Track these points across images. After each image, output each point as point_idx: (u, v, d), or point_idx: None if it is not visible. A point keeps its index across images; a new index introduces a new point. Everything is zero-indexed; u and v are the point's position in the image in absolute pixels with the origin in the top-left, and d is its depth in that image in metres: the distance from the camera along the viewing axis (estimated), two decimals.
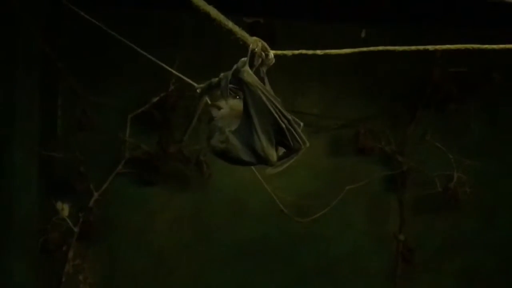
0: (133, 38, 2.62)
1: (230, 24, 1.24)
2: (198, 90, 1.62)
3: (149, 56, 1.88)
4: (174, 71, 1.98)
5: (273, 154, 1.39)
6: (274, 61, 1.41)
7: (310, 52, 1.57)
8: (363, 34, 4.17)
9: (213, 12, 1.17)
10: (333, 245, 4.21)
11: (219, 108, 1.43)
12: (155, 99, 3.71)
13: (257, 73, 1.50)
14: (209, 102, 1.58)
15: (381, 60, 3.97)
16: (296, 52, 1.54)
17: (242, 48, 1.52)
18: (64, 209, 3.93)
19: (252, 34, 4.26)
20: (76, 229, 3.78)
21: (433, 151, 4.22)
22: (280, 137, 1.39)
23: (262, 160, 1.39)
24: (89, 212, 3.81)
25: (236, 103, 1.43)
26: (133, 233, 3.95)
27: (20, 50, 3.26)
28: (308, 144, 1.48)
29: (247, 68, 1.32)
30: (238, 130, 1.37)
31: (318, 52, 1.58)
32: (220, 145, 1.39)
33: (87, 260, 3.90)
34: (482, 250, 4.37)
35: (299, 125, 1.50)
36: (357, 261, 4.24)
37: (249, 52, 1.33)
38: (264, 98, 1.33)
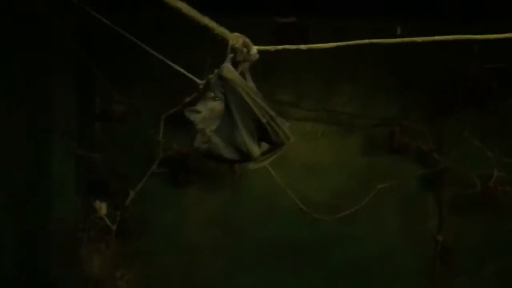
0: (166, 41, 2.65)
1: (205, 20, 1.22)
2: (200, 86, 1.63)
3: (169, 62, 1.89)
4: (179, 69, 1.96)
5: (255, 149, 1.39)
6: (258, 56, 1.40)
7: (293, 47, 1.55)
8: (398, 31, 4.07)
9: (185, 8, 1.13)
10: (367, 245, 4.15)
11: (198, 112, 1.44)
12: (187, 99, 3.76)
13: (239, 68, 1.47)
14: (187, 108, 1.58)
15: (417, 56, 3.87)
16: (280, 47, 1.53)
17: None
18: (102, 207, 4.06)
19: (283, 34, 4.25)
20: (113, 227, 3.90)
21: (472, 149, 4.06)
22: (262, 133, 1.39)
23: (245, 155, 1.40)
24: (125, 210, 3.92)
25: (216, 105, 1.44)
26: (167, 231, 4.03)
27: (57, 56, 3.38)
28: (292, 139, 1.48)
29: (227, 64, 1.32)
30: (219, 128, 1.39)
31: (302, 47, 1.56)
32: (202, 146, 1.41)
33: (124, 258, 4.01)
34: None
35: (283, 122, 1.50)
36: (392, 262, 4.16)
37: (229, 47, 1.33)
38: (243, 94, 1.33)
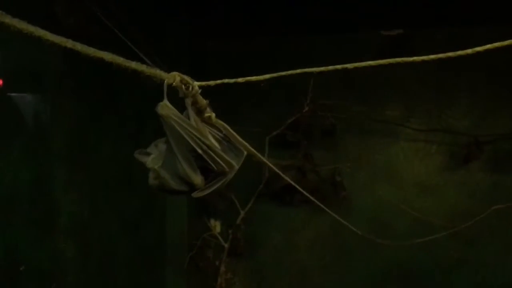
0: (268, 64, 2.72)
1: (133, 65, 1.20)
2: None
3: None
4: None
5: (196, 178, 1.42)
6: (199, 91, 1.41)
7: (232, 80, 1.50)
8: None
9: (108, 57, 1.10)
10: (495, 272, 3.75)
11: (148, 154, 1.49)
12: (290, 120, 3.79)
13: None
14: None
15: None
16: (219, 81, 1.49)
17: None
18: (216, 226, 4.24)
19: (388, 46, 4.06)
20: (226, 245, 4.05)
21: None
22: (201, 162, 1.39)
23: (190, 185, 1.42)
24: (237, 229, 4.05)
25: (161, 144, 1.49)
26: (276, 250, 4.06)
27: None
28: (237, 167, 1.46)
29: (164, 102, 1.35)
30: (164, 163, 1.44)
31: (240, 80, 1.51)
32: (154, 182, 1.48)
33: (237, 275, 4.14)
34: None
35: (238, 150, 1.49)
36: None
37: (165, 86, 1.35)
38: (178, 128, 1.34)
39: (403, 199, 3.86)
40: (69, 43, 0.97)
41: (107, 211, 2.82)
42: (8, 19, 0.81)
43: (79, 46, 1.01)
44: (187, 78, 1.37)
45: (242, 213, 4.04)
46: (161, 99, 1.36)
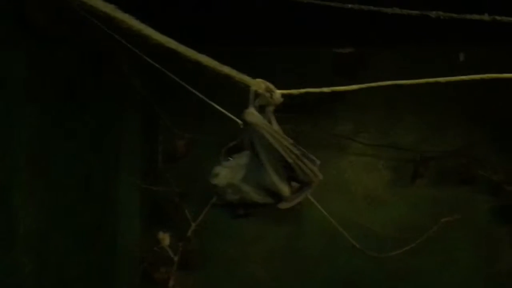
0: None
1: (226, 69, 1.23)
2: (241, 126, 1.66)
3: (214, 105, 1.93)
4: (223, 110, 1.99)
5: (285, 188, 1.40)
6: (282, 100, 1.41)
7: (317, 90, 1.54)
8: (461, 58, 3.94)
9: (204, 59, 1.15)
10: (434, 283, 3.95)
11: (216, 175, 1.46)
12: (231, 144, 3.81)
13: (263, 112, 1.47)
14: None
15: (485, 83, 3.70)
16: (303, 90, 1.52)
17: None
18: (165, 238, 4.15)
19: (340, 64, 4.21)
20: (175, 258, 3.97)
21: None
22: (289, 172, 1.39)
23: (276, 196, 1.40)
24: (187, 242, 3.98)
25: (236, 159, 1.47)
26: (229, 263, 4.04)
27: (124, 97, 3.55)
28: (321, 177, 1.46)
29: (250, 109, 1.34)
30: (246, 175, 1.40)
31: (325, 89, 1.55)
32: (235, 197, 1.43)
33: None
34: None
35: (313, 161, 1.48)
36: None
37: (251, 93, 1.34)
38: (268, 136, 1.34)
39: (352, 212, 3.98)
40: (172, 44, 0.99)
41: (65, 223, 2.70)
42: (119, 14, 0.78)
43: (181, 48, 1.03)
44: (271, 85, 1.35)
45: (193, 225, 3.99)
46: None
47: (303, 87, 1.97)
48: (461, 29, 3.65)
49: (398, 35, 3.81)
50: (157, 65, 2.01)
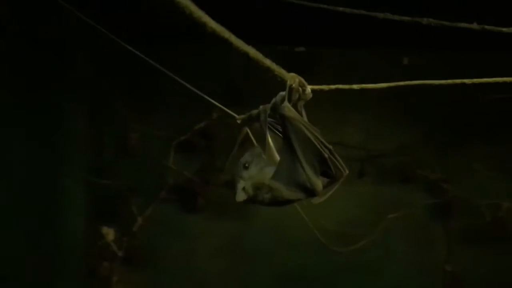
0: (179, 69, 2.69)
1: (267, 62, 1.26)
2: (238, 121, 1.65)
3: (189, 86, 1.92)
4: (215, 102, 2.01)
5: (319, 183, 1.41)
6: (311, 95, 1.43)
7: (346, 86, 1.58)
8: (405, 61, 4.12)
9: (252, 51, 1.20)
10: (376, 275, 4.11)
11: (246, 168, 1.44)
12: (198, 127, 3.80)
13: (294, 107, 1.51)
14: (250, 133, 1.60)
15: (425, 86, 3.89)
16: (333, 86, 1.56)
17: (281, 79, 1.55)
18: (109, 233, 4.04)
19: (290, 64, 4.30)
20: (120, 253, 3.88)
21: (481, 179, 4.08)
22: (323, 167, 1.41)
23: (309, 192, 1.41)
24: (133, 237, 3.90)
25: (254, 164, 1.46)
26: (176, 258, 4.00)
27: (70, 82, 3.42)
28: (347, 172, 1.49)
29: (287, 103, 1.35)
30: (277, 172, 1.39)
31: (355, 86, 1.59)
32: (266, 196, 1.41)
33: (130, 285, 3.97)
34: None
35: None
36: None
37: (287, 88, 1.36)
38: (305, 131, 1.36)
39: (300, 207, 4.06)
40: (226, 33, 1.01)
41: (6, 219, 2.58)
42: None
43: (233, 38, 1.06)
44: (303, 81, 1.33)
45: (140, 220, 3.92)
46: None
47: None
48: (407, 35, 3.86)
49: (343, 37, 3.93)
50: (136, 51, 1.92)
